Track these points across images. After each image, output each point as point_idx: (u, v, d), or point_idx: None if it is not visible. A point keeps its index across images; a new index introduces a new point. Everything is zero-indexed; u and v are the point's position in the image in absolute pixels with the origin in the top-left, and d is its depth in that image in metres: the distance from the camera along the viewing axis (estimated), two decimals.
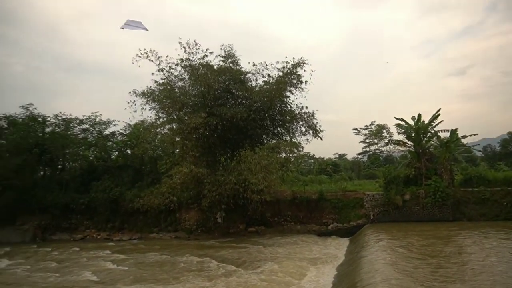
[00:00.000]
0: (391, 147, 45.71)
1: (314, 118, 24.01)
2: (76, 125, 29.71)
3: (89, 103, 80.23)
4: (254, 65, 23.49)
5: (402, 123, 23.45)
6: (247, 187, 19.12)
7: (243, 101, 23.70)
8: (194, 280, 11.79)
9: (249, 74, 23.87)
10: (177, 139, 23.27)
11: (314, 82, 23.19)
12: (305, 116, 24.01)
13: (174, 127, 23.30)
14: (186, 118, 21.77)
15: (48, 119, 29.52)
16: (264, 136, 24.73)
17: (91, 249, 19.65)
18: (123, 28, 10.97)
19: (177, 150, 25.21)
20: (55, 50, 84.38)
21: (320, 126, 24.09)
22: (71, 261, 16.40)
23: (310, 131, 24.13)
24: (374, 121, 55.31)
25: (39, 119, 29.34)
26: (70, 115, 29.65)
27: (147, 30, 11.62)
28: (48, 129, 29.30)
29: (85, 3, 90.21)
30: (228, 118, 21.38)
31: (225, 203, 20.82)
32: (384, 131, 53.75)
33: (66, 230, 25.83)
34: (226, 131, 22.32)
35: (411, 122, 23.15)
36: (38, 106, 42.08)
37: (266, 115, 23.98)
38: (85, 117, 29.82)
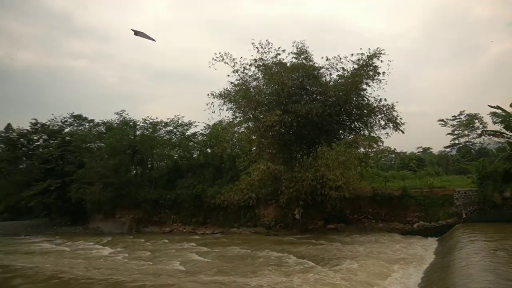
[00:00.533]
0: (486, 138, 40.94)
1: (394, 110, 22.78)
2: (161, 127, 32.38)
3: (171, 106, 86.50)
4: (327, 59, 23.07)
5: (499, 111, 20.86)
6: (324, 184, 18.84)
7: (318, 97, 23.37)
8: (271, 275, 11.94)
9: (323, 69, 23.52)
10: (254, 137, 23.90)
11: (393, 72, 22.05)
12: (384, 109, 22.86)
13: (250, 125, 23.94)
14: (261, 116, 22.16)
15: (138, 123, 32.67)
16: (340, 131, 24.13)
17: (178, 241, 21.26)
18: (134, 31, 11.07)
19: (254, 148, 25.88)
20: (140, 61, 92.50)
21: (401, 118, 22.79)
22: (161, 251, 17.93)
23: (390, 124, 22.92)
24: (464, 111, 49.95)
25: (131, 123, 32.66)
26: (156, 118, 32.44)
27: (154, 40, 11.51)
28: (138, 132, 32.43)
29: (163, 14, 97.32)
30: (303, 115, 21.28)
31: (303, 199, 20.83)
32: (476, 121, 48.28)
33: (156, 223, 28.44)
34: (301, 128, 22.23)
35: (510, 110, 20.51)
36: (129, 111, 46.62)
37: (342, 109, 23.33)
38: (169, 120, 32.34)
